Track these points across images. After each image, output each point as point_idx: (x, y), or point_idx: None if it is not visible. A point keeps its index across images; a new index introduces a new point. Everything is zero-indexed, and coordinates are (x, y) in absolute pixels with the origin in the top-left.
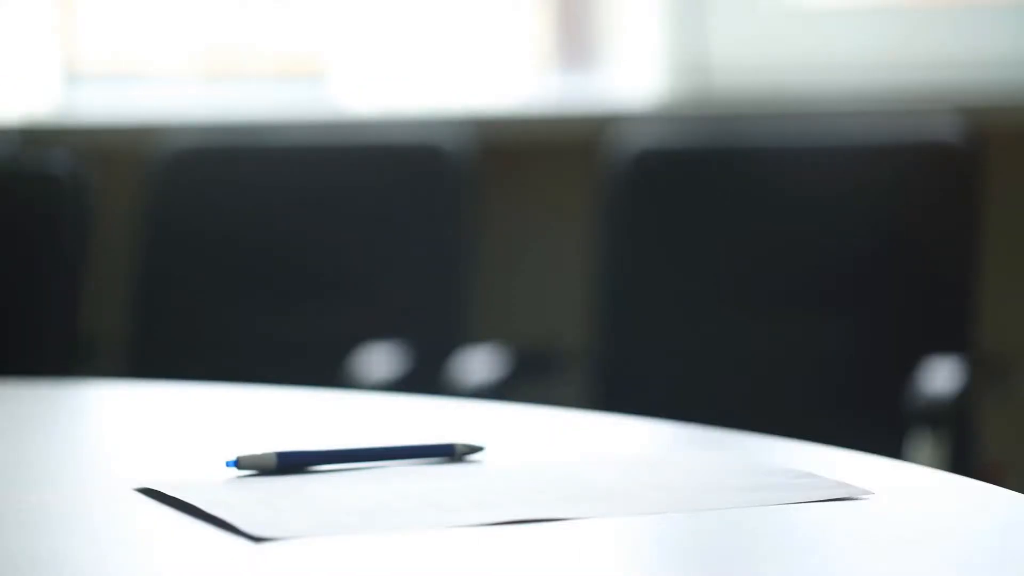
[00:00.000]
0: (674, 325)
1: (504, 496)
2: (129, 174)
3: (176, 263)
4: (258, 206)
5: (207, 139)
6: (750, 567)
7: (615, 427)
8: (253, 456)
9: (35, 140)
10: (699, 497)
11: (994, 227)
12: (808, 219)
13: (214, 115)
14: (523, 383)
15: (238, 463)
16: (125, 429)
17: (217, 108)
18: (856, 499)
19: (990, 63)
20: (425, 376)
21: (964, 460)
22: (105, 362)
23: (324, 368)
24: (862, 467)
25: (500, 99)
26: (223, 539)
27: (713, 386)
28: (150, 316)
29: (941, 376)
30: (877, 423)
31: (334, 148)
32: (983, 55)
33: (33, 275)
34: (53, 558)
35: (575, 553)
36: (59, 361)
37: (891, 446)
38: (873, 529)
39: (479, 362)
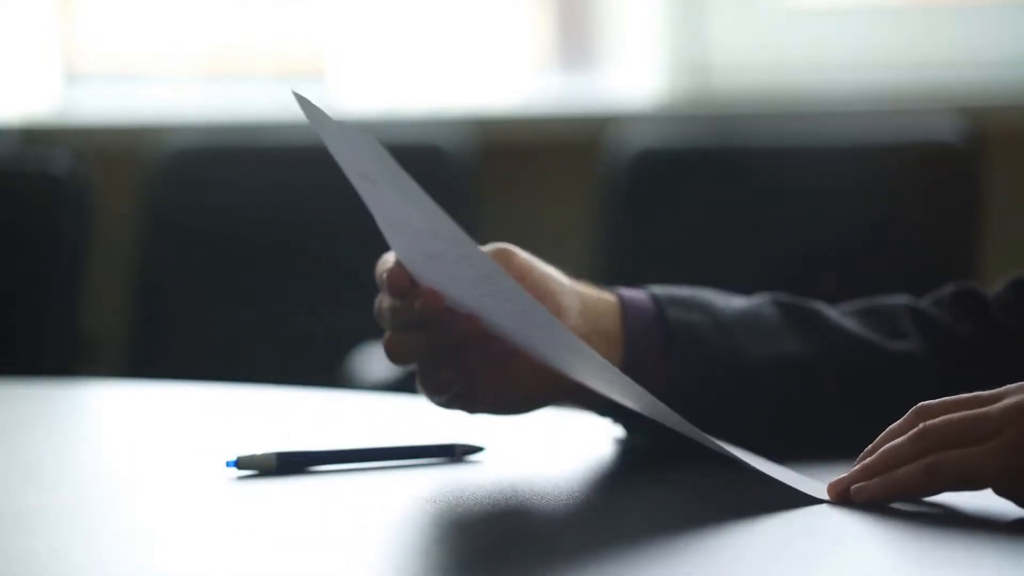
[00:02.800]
0: None
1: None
2: (129, 174)
3: (176, 263)
4: (258, 206)
5: (207, 139)
6: (750, 567)
7: (615, 427)
8: (253, 456)
9: (35, 140)
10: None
11: (994, 227)
12: (808, 219)
13: (214, 115)
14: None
15: (238, 463)
16: (125, 429)
17: (217, 108)
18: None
19: (990, 63)
20: None
21: None
22: (105, 362)
23: (324, 368)
24: None
25: (500, 99)
26: (232, 541)
27: None
28: (150, 316)
29: None
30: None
31: None
32: (983, 55)
33: (33, 275)
34: (53, 558)
35: (580, 553)
36: (59, 361)
37: None
38: (873, 529)
39: None
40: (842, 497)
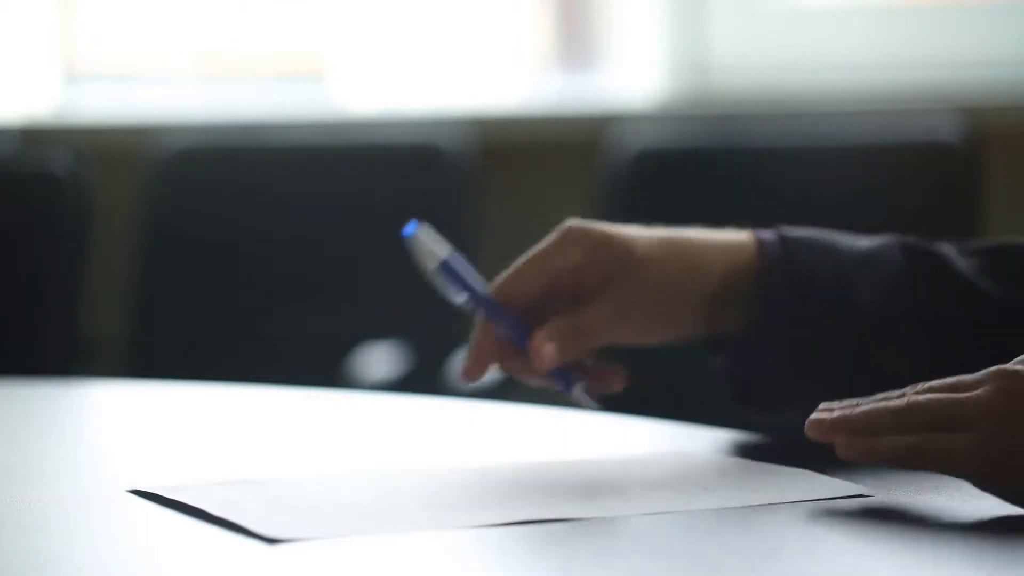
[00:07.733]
0: None
1: (512, 497)
2: (129, 174)
3: (176, 263)
4: (258, 206)
5: (207, 139)
6: (749, 567)
7: (615, 427)
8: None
9: (35, 140)
10: (698, 497)
11: (994, 227)
12: (808, 219)
13: (214, 115)
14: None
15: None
16: (125, 429)
17: (217, 108)
18: (855, 498)
19: (990, 63)
20: (425, 376)
21: None
22: (105, 362)
23: (324, 368)
24: (861, 467)
25: (500, 99)
26: (230, 541)
27: (713, 386)
28: (150, 316)
29: None
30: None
31: (334, 148)
32: (983, 55)
33: (33, 275)
34: (53, 558)
35: (583, 553)
36: (59, 361)
37: None
38: (872, 529)
39: None
40: (819, 434)
